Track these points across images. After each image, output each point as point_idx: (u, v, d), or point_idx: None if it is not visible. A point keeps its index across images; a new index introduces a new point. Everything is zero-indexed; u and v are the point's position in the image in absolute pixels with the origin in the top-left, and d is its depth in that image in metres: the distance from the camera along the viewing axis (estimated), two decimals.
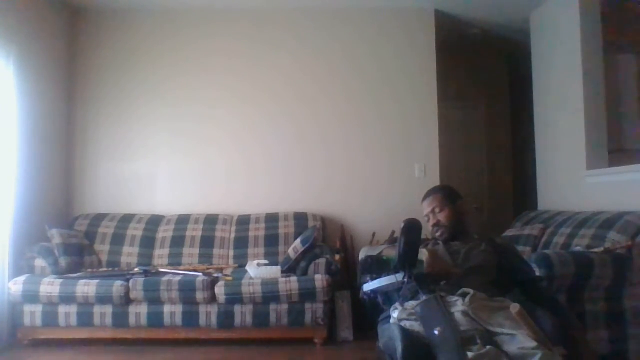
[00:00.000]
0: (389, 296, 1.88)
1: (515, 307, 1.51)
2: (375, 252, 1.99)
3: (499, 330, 1.50)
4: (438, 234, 2.03)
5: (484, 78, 5.38)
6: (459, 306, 1.58)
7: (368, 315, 2.05)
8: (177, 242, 3.78)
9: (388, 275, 1.74)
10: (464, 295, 1.63)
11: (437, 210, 2.02)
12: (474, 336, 1.47)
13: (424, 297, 1.62)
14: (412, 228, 1.68)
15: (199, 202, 4.07)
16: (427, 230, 1.96)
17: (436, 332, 1.47)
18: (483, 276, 1.82)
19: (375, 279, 1.81)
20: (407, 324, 1.62)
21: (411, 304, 1.67)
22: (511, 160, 5.43)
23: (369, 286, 1.83)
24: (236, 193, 4.11)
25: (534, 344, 1.40)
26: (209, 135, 4.14)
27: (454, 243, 1.97)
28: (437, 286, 1.72)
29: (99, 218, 3.89)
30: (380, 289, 1.81)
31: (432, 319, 1.53)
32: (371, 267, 1.88)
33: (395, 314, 1.69)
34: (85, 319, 3.16)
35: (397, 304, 1.74)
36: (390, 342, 1.59)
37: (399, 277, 1.67)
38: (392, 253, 1.88)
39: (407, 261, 1.66)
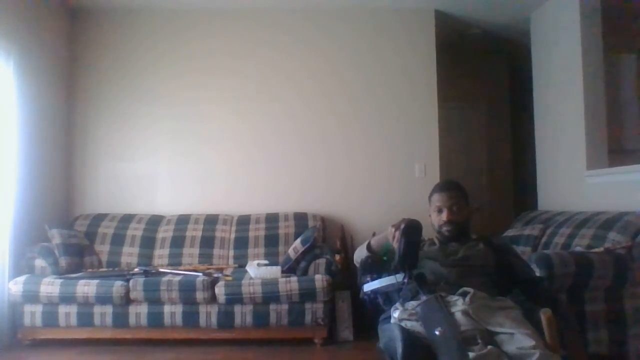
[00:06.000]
0: (389, 296, 1.86)
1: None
2: (364, 246, 1.97)
3: (498, 329, 1.49)
4: (447, 228, 1.94)
5: (484, 78, 5.37)
6: (459, 305, 1.57)
7: (368, 315, 2.04)
8: (177, 242, 3.78)
9: (388, 275, 1.73)
10: (464, 295, 1.62)
11: (454, 207, 1.94)
12: (475, 336, 1.46)
13: (424, 297, 1.61)
14: (412, 228, 1.67)
15: (199, 202, 4.07)
16: (426, 228, 1.90)
17: (437, 333, 1.47)
18: (483, 276, 1.81)
19: (375, 279, 1.80)
20: (407, 324, 1.61)
21: (412, 304, 1.66)
22: (511, 161, 5.43)
23: (369, 286, 1.82)
24: (236, 193, 4.11)
25: (532, 342, 1.40)
26: (209, 135, 4.14)
27: (452, 244, 1.95)
28: (437, 286, 1.70)
29: (99, 218, 3.89)
30: (381, 289, 1.80)
31: (433, 319, 1.52)
32: (371, 267, 1.87)
33: (395, 314, 1.68)
34: (85, 319, 3.16)
35: (397, 304, 1.73)
36: (391, 342, 1.59)
37: (399, 277, 1.66)
38: (382, 243, 1.87)
39: (408, 262, 1.65)
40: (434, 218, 1.99)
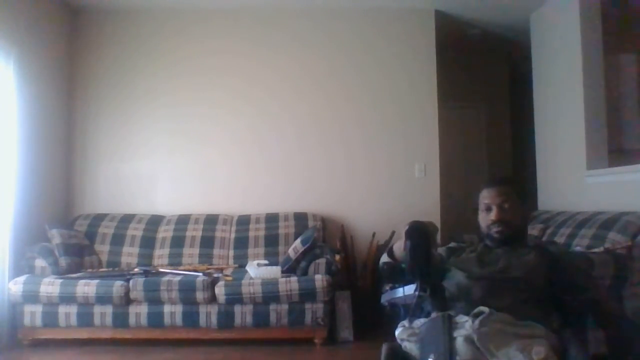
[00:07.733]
0: (413, 306, 1.60)
1: (539, 353, 1.24)
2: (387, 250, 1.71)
3: None
4: (496, 229, 1.62)
5: (484, 78, 5.38)
6: (465, 329, 1.33)
7: (386, 322, 1.88)
8: (177, 242, 3.78)
9: (403, 285, 1.55)
10: (478, 316, 1.37)
11: (506, 205, 1.62)
12: None
13: (433, 315, 1.42)
14: (415, 230, 1.43)
15: (199, 202, 4.07)
16: (439, 227, 1.66)
17: None
18: (521, 292, 1.50)
19: (394, 288, 1.63)
20: (407, 346, 1.42)
21: (419, 321, 1.48)
22: (511, 161, 5.43)
23: (384, 297, 1.68)
24: (236, 193, 4.11)
25: None
26: (209, 135, 4.14)
27: (497, 250, 1.63)
28: (458, 302, 1.49)
29: (99, 218, 3.89)
30: (397, 301, 1.63)
31: (431, 343, 1.32)
32: (388, 274, 1.65)
33: (397, 332, 1.49)
34: (85, 319, 3.16)
35: (404, 321, 1.53)
36: None
37: (408, 290, 1.47)
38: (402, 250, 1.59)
39: (417, 270, 1.41)
40: (481, 219, 1.68)
